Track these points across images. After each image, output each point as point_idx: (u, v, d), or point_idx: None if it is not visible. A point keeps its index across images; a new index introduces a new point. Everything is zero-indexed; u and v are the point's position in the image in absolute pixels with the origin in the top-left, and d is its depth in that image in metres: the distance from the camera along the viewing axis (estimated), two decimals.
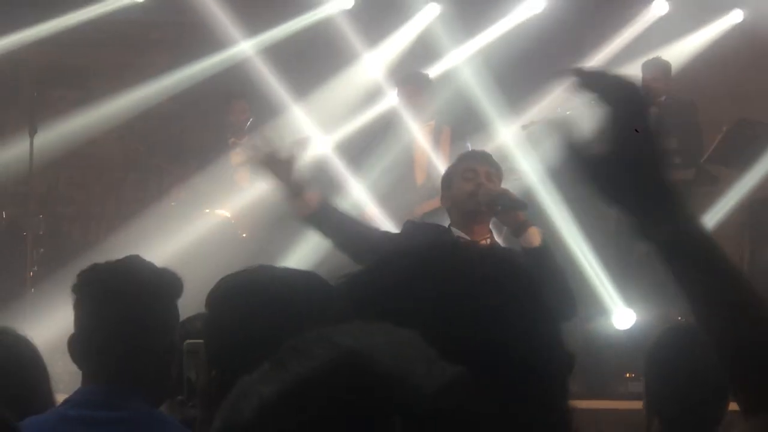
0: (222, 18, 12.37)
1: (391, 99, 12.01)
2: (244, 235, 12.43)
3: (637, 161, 2.05)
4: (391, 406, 1.28)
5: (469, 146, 11.07)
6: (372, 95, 12.64)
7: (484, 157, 7.17)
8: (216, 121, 13.57)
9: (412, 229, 7.14)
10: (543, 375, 1.79)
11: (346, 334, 1.37)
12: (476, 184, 6.71)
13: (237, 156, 12.19)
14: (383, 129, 11.73)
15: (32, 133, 11.42)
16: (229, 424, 1.29)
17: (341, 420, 1.27)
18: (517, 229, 6.38)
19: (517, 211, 6.55)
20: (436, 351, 1.38)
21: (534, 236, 6.34)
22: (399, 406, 1.28)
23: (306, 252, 11.05)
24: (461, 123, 12.16)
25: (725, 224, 11.82)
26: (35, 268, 11.80)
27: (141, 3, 13.19)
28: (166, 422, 3.70)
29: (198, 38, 13.03)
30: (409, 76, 11.81)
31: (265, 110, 12.84)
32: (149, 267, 3.80)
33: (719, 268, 2.09)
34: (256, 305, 2.97)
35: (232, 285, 3.10)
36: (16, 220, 12.51)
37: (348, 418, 1.27)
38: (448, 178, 7.12)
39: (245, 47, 12.74)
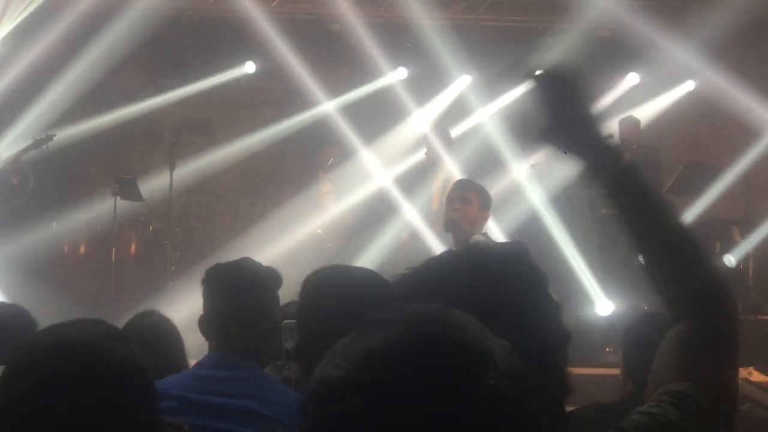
0: (311, 84, 13.32)
1: (425, 142, 12.44)
2: (330, 244, 12.90)
3: (571, 124, 2.33)
4: (481, 364, 1.40)
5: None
6: (420, 142, 12.91)
7: (461, 185, 8.17)
8: (308, 160, 14.17)
9: None
10: (552, 346, 2.03)
11: (428, 308, 1.51)
12: (452, 210, 7.75)
13: (325, 186, 13.17)
14: (424, 168, 12.36)
15: (172, 169, 12.41)
16: (333, 375, 1.38)
17: (436, 376, 1.37)
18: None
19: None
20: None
21: None
22: (488, 361, 1.41)
23: (371, 257, 11.76)
24: (485, 161, 13.09)
25: None
26: (173, 267, 12.62)
27: (251, 73, 14.12)
28: (270, 380, 3.96)
29: (293, 99, 13.81)
30: (439, 129, 12.48)
31: (343, 152, 13.66)
32: (257, 265, 4.14)
33: (654, 202, 2.36)
34: (334, 295, 3.27)
35: (318, 279, 3.42)
36: (159, 231, 13.29)
37: (441, 373, 1.37)
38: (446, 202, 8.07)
39: (328, 106, 13.60)
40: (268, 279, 4.11)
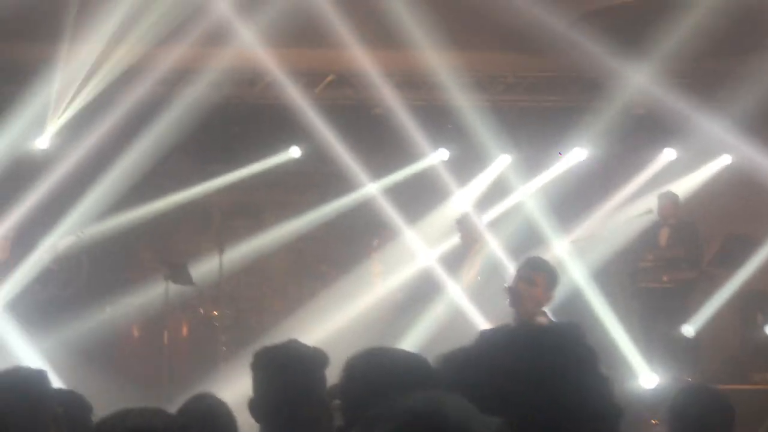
0: (355, 167, 13.30)
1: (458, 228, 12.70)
2: (377, 324, 12.40)
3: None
4: None
5: None
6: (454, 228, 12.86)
7: (529, 264, 7.78)
8: (354, 241, 14.20)
9: None
10: (605, 421, 2.03)
11: (420, 400, 1.54)
12: (513, 292, 7.41)
13: (377, 266, 13.23)
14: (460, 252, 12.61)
15: (221, 252, 12.39)
16: None
17: None
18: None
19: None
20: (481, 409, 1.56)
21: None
22: None
23: (417, 336, 11.66)
24: (527, 238, 13.19)
25: (722, 313, 12.38)
26: (224, 349, 12.55)
27: (296, 158, 14.11)
28: None
29: (338, 182, 13.69)
30: (469, 216, 12.72)
31: (387, 234, 13.55)
32: (303, 347, 4.16)
33: None
34: (373, 379, 3.24)
35: (358, 363, 3.38)
36: (208, 314, 13.21)
37: None
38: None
39: (372, 188, 13.57)
40: (315, 360, 4.13)
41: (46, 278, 12.71)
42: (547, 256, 12.38)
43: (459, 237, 12.68)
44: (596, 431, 2.02)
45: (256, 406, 4.05)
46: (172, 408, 5.08)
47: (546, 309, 7.81)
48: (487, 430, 1.49)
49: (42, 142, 13.13)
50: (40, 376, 4.21)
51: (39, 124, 13.01)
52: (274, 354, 4.14)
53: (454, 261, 12.70)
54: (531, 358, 2.03)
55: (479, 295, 12.08)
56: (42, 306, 12.39)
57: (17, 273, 12.24)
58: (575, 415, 1.98)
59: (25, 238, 12.60)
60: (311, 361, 4.10)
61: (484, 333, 2.23)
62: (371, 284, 13.24)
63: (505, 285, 7.76)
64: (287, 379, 4.02)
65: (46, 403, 4.10)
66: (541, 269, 7.67)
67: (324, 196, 14.05)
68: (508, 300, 7.66)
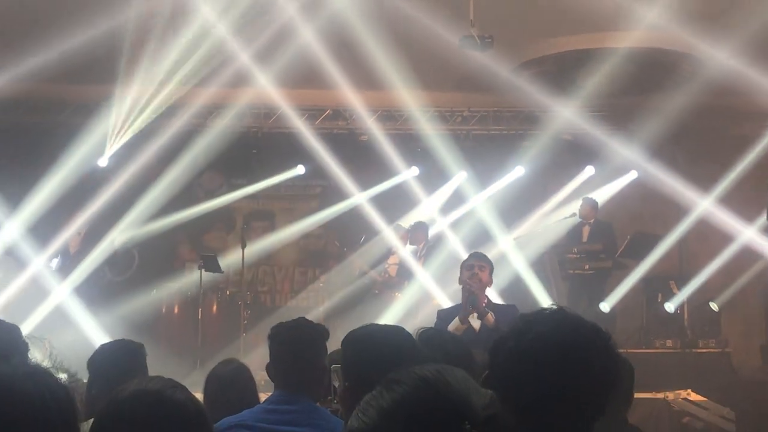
0: (346, 181, 13.22)
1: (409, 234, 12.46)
2: (376, 291, 12.48)
3: None
4: (460, 416, 1.42)
5: None
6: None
7: (478, 256, 7.54)
8: (347, 237, 13.83)
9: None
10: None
11: (427, 370, 1.50)
12: (471, 274, 7.05)
13: (393, 258, 12.59)
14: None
15: (243, 247, 12.16)
16: (354, 428, 1.45)
17: (425, 428, 1.42)
18: (481, 314, 6.77)
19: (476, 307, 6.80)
20: (475, 382, 1.53)
21: (490, 319, 6.70)
22: (466, 414, 1.43)
23: (395, 312, 11.55)
24: (479, 236, 13.09)
25: (630, 293, 12.43)
26: (245, 322, 12.16)
27: (301, 174, 13.96)
28: (322, 411, 3.92)
29: (333, 192, 13.62)
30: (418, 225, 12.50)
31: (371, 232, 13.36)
32: (310, 323, 4.14)
33: None
34: (368, 348, 3.22)
35: (357, 334, 3.32)
36: (234, 295, 12.98)
37: (430, 426, 1.43)
38: (460, 267, 7.34)
39: (359, 197, 13.40)
40: (319, 333, 4.08)
41: (106, 267, 12.69)
42: (494, 250, 12.75)
43: (410, 240, 12.49)
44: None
45: (272, 369, 4.00)
46: (204, 371, 5.16)
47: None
48: (481, 399, 1.46)
49: (103, 161, 13.08)
50: (140, 346, 4.31)
51: (101, 147, 12.94)
52: (287, 329, 4.08)
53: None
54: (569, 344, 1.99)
55: (442, 279, 11.89)
56: (103, 288, 12.36)
57: (85, 262, 12.16)
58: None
59: (91, 235, 12.49)
60: (315, 334, 4.07)
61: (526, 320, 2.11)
62: (357, 272, 13.06)
63: (469, 272, 7.27)
64: (297, 348, 3.98)
65: (143, 361, 4.26)
66: (487, 259, 7.47)
67: (323, 204, 13.95)
68: (463, 287, 7.31)
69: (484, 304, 7.00)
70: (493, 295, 10.95)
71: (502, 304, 7.51)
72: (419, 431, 1.42)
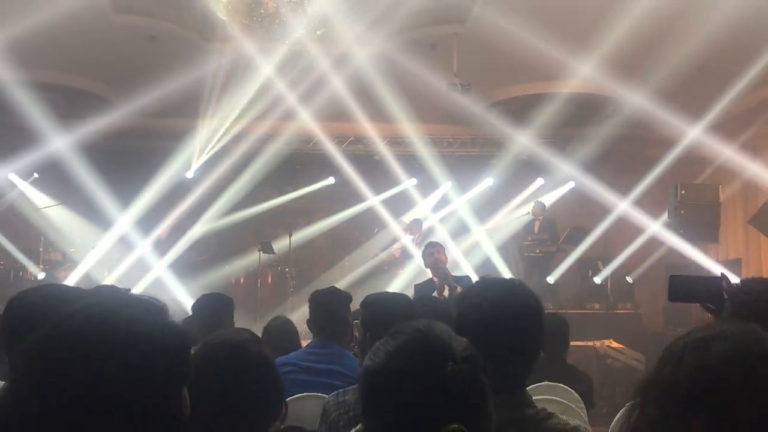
0: (363, 188, 13.13)
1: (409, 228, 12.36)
2: (385, 268, 12.39)
3: None
4: (445, 357, 1.40)
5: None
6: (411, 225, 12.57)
7: (433, 244, 7.25)
8: (365, 228, 13.79)
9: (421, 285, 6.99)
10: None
11: (420, 323, 1.48)
12: (434, 259, 6.84)
13: (397, 245, 12.43)
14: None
15: (290, 236, 12.37)
16: (368, 365, 1.43)
17: (420, 366, 1.39)
18: (452, 287, 6.58)
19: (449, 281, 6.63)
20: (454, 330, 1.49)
21: (458, 290, 6.43)
22: (449, 354, 1.40)
23: (397, 285, 11.55)
24: (459, 228, 13.22)
25: (568, 270, 12.40)
26: (291, 290, 12.32)
27: (332, 183, 13.82)
28: (346, 354, 3.92)
29: (354, 196, 13.34)
30: (415, 221, 12.42)
31: (382, 226, 13.65)
32: (338, 290, 4.13)
33: None
34: (379, 308, 3.25)
35: (372, 298, 3.35)
36: (283, 270, 12.87)
37: (423, 364, 1.39)
38: (422, 254, 7.15)
39: (373, 200, 13.30)
40: (344, 298, 4.07)
41: (192, 249, 12.73)
42: (471, 238, 12.93)
43: (409, 231, 12.36)
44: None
45: (311, 323, 3.99)
46: (262, 324, 5.13)
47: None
48: (460, 344, 1.45)
49: (190, 173, 13.06)
50: (230, 300, 4.35)
51: (188, 163, 12.95)
52: (321, 294, 4.07)
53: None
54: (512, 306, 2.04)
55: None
56: (189, 265, 12.34)
57: (174, 247, 12.22)
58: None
59: (179, 227, 12.52)
60: (342, 298, 4.05)
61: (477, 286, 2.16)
62: (371, 254, 13.07)
63: (432, 258, 7.03)
64: (328, 308, 3.97)
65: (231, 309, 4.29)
66: (442, 245, 7.27)
67: (347, 204, 13.81)
68: (432, 267, 7.05)
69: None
70: (469, 271, 11.33)
71: (460, 276, 7.30)
72: (415, 367, 1.39)
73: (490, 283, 2.15)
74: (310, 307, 4.06)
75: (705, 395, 1.11)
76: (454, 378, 1.38)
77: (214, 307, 4.08)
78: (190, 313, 4.51)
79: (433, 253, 6.95)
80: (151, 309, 1.26)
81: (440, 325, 1.50)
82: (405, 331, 1.47)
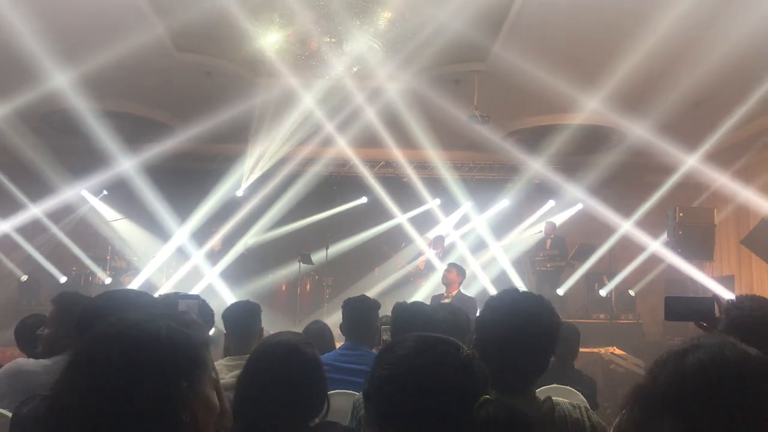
0: (393, 207, 13.04)
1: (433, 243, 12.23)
2: (411, 279, 12.01)
3: None
4: (455, 345, 1.36)
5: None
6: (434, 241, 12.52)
7: (449, 265, 8.17)
8: (393, 243, 13.47)
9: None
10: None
11: (414, 334, 1.44)
12: (444, 277, 7.95)
13: (422, 259, 12.29)
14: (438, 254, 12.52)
15: (327, 248, 12.42)
16: (385, 374, 1.38)
17: (427, 374, 1.32)
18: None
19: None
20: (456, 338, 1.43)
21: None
22: (457, 345, 1.38)
23: (421, 294, 11.45)
24: (479, 243, 13.04)
25: (576, 283, 12.24)
26: (327, 296, 12.25)
27: (365, 203, 13.78)
28: (375, 355, 3.93)
29: (384, 214, 13.24)
30: (439, 237, 12.34)
31: (408, 241, 13.65)
32: (368, 298, 4.10)
33: None
34: (405, 314, 3.27)
35: (399, 306, 3.34)
36: (321, 279, 12.72)
37: (432, 369, 1.34)
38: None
39: (401, 218, 13.29)
40: (374, 305, 4.06)
41: (241, 259, 12.65)
42: (488, 253, 12.74)
43: (432, 246, 12.31)
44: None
45: (343, 327, 3.97)
46: (300, 327, 5.13)
47: (461, 288, 8.17)
48: (464, 348, 1.41)
49: (240, 192, 13.07)
50: (256, 305, 4.20)
51: (238, 183, 12.97)
52: (353, 301, 4.07)
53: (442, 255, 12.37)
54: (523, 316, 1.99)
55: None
56: (238, 273, 12.27)
57: (226, 257, 12.18)
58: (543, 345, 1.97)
59: (230, 240, 12.51)
60: (372, 305, 4.03)
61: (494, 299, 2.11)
62: (399, 266, 12.99)
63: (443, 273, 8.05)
64: (358, 314, 3.95)
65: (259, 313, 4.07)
66: (453, 267, 8.04)
67: (378, 221, 13.74)
68: (443, 281, 8.00)
69: (453, 293, 7.64)
70: (486, 283, 11.24)
71: (465, 295, 7.89)
72: (437, 358, 1.37)
73: (513, 294, 2.10)
74: (343, 313, 4.01)
75: (675, 399, 1.12)
76: (469, 359, 1.35)
77: (243, 313, 4.09)
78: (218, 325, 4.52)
79: (446, 275, 7.82)
80: (174, 320, 1.24)
81: (442, 334, 1.48)
82: (412, 339, 1.43)
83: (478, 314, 2.11)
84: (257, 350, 2.17)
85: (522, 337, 1.92)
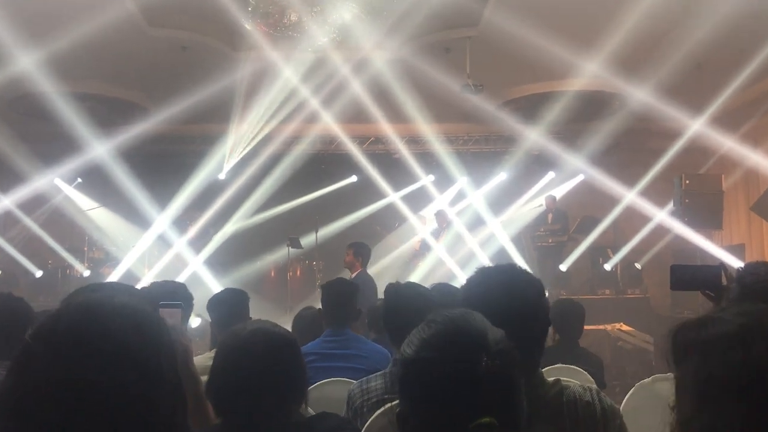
0: (384, 186, 13.12)
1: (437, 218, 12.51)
2: (406, 260, 12.66)
3: None
4: (479, 351, 1.30)
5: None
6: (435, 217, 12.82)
7: (350, 245, 8.02)
8: (385, 223, 13.86)
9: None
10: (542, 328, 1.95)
11: (456, 313, 1.40)
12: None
13: (417, 239, 12.80)
14: (437, 230, 12.65)
15: (317, 232, 12.37)
16: (404, 352, 1.36)
17: (451, 358, 1.31)
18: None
19: None
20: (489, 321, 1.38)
21: None
22: (484, 348, 1.31)
23: (417, 275, 11.85)
24: (476, 220, 13.21)
25: (580, 258, 12.36)
26: (319, 281, 11.93)
27: (354, 182, 13.82)
28: (359, 338, 3.98)
29: (376, 192, 13.34)
30: (441, 212, 12.60)
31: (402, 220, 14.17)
32: (345, 280, 4.25)
33: None
34: (399, 297, 3.13)
35: (393, 289, 3.22)
36: (310, 264, 12.88)
37: (455, 357, 1.31)
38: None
39: (394, 196, 13.25)
40: (354, 288, 4.11)
41: (226, 245, 12.72)
42: (486, 230, 12.79)
43: (436, 222, 12.38)
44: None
45: (324, 313, 4.04)
46: (292, 314, 5.12)
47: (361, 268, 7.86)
48: (494, 337, 1.35)
49: (222, 175, 13.11)
50: (244, 293, 4.20)
51: (220, 165, 13.00)
52: (330, 285, 4.14)
53: (437, 233, 12.51)
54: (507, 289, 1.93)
55: (450, 251, 12.07)
56: (224, 260, 12.35)
57: (210, 242, 12.29)
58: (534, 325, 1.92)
59: (212, 225, 12.55)
60: (352, 288, 4.08)
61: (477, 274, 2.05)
62: (414, 247, 13.09)
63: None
64: (343, 297, 4.02)
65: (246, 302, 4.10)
66: (350, 246, 7.88)
67: (369, 200, 13.78)
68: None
69: (353, 276, 7.42)
70: (485, 261, 11.38)
71: (367, 276, 7.77)
72: (447, 359, 1.31)
73: (488, 272, 2.04)
74: (322, 299, 4.04)
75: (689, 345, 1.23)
76: (486, 373, 1.28)
77: (229, 302, 4.08)
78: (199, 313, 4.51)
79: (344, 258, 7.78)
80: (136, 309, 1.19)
81: (477, 315, 1.41)
82: (439, 320, 1.39)
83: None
84: (228, 346, 2.14)
85: (513, 317, 1.77)
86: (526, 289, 1.93)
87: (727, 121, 10.68)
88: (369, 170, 13.15)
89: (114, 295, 1.19)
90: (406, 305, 2.95)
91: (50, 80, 9.54)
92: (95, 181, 12.40)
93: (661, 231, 11.86)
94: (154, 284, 3.62)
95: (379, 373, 2.97)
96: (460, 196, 13.86)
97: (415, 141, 13.29)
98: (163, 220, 12.40)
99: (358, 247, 7.98)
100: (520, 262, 12.22)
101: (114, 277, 11.31)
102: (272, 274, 13.30)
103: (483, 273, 2.01)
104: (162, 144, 12.95)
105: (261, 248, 13.33)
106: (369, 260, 7.95)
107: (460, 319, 1.39)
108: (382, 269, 12.38)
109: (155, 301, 2.24)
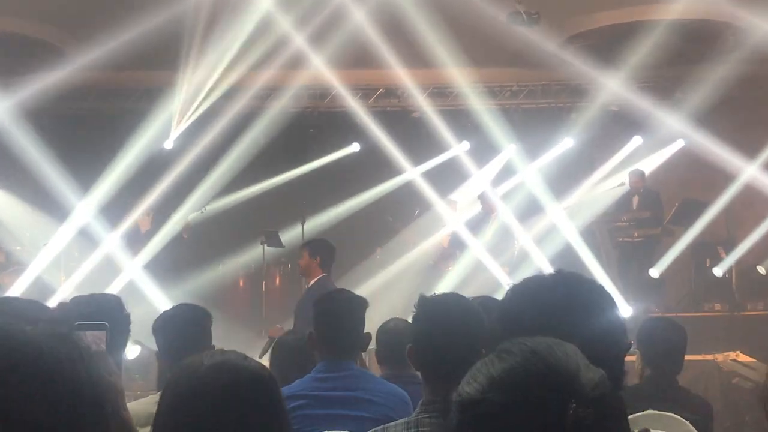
0: (399, 157, 13.15)
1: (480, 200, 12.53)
2: (431, 263, 12.65)
3: None
4: (568, 395, 1.33)
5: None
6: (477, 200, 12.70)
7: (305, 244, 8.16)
8: (400, 211, 14.00)
9: None
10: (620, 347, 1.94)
11: (539, 343, 1.42)
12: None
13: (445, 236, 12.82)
14: (481, 218, 12.59)
15: (303, 223, 12.26)
16: (464, 391, 1.38)
17: (531, 403, 1.32)
18: None
19: None
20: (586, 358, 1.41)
21: None
22: (574, 392, 1.33)
23: (451, 281, 11.66)
24: (529, 206, 13.17)
25: (678, 260, 12.32)
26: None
27: (356, 152, 14.05)
28: (368, 374, 4.04)
29: (387, 167, 13.48)
30: (489, 192, 12.62)
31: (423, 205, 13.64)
32: (352, 295, 4.17)
33: None
34: (449, 315, 3.04)
35: (438, 300, 3.16)
36: (294, 269, 11.82)
37: (536, 402, 1.33)
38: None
39: (413, 172, 13.42)
40: (358, 305, 4.06)
41: (176, 243, 12.60)
42: (545, 220, 12.96)
43: (481, 207, 12.46)
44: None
45: (316, 340, 4.00)
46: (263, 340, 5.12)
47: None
48: (591, 376, 1.37)
49: (168, 144, 13.23)
50: (205, 312, 4.17)
51: (166, 131, 13.08)
52: (328, 300, 4.16)
53: (477, 224, 12.48)
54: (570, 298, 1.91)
55: (494, 250, 12.01)
56: (173, 264, 12.32)
57: (157, 239, 12.24)
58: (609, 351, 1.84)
59: (160, 215, 12.57)
60: (356, 306, 4.06)
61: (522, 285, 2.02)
62: (409, 245, 13.14)
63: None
64: (338, 319, 4.01)
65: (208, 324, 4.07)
66: (305, 246, 8.11)
67: (378, 179, 13.88)
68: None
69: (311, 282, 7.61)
70: (543, 263, 11.37)
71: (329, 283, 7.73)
72: (524, 402, 1.33)
73: (538, 282, 2.02)
74: (314, 318, 4.04)
75: None
76: (574, 426, 1.31)
77: (184, 324, 4.02)
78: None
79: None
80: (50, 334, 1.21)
81: (569, 347, 1.43)
82: (516, 351, 1.40)
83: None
84: (177, 381, 2.12)
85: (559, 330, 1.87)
86: (589, 306, 1.90)
87: None
88: (377, 135, 13.15)
89: (10, 320, 1.18)
90: (451, 328, 2.90)
91: None
92: None
93: None
94: (75, 299, 3.59)
95: (400, 421, 2.91)
96: (506, 171, 13.88)
97: (442, 93, 13.28)
98: (86, 208, 12.38)
99: (316, 245, 8.14)
100: (593, 264, 12.27)
101: (17, 289, 11.33)
102: (241, 283, 13.44)
103: (529, 285, 2.00)
104: (84, 101, 13.02)
105: (225, 248, 13.40)
106: (333, 262, 8.00)
107: (545, 350, 1.40)
108: (396, 277, 12.41)
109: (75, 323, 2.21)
